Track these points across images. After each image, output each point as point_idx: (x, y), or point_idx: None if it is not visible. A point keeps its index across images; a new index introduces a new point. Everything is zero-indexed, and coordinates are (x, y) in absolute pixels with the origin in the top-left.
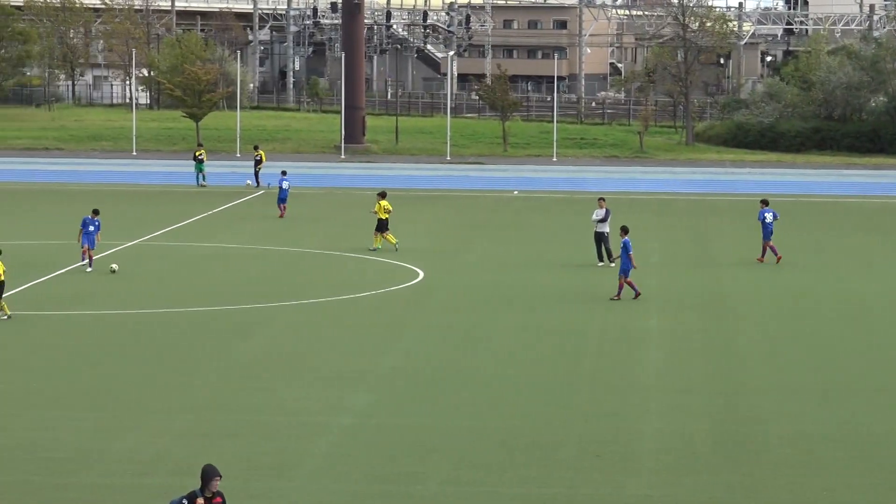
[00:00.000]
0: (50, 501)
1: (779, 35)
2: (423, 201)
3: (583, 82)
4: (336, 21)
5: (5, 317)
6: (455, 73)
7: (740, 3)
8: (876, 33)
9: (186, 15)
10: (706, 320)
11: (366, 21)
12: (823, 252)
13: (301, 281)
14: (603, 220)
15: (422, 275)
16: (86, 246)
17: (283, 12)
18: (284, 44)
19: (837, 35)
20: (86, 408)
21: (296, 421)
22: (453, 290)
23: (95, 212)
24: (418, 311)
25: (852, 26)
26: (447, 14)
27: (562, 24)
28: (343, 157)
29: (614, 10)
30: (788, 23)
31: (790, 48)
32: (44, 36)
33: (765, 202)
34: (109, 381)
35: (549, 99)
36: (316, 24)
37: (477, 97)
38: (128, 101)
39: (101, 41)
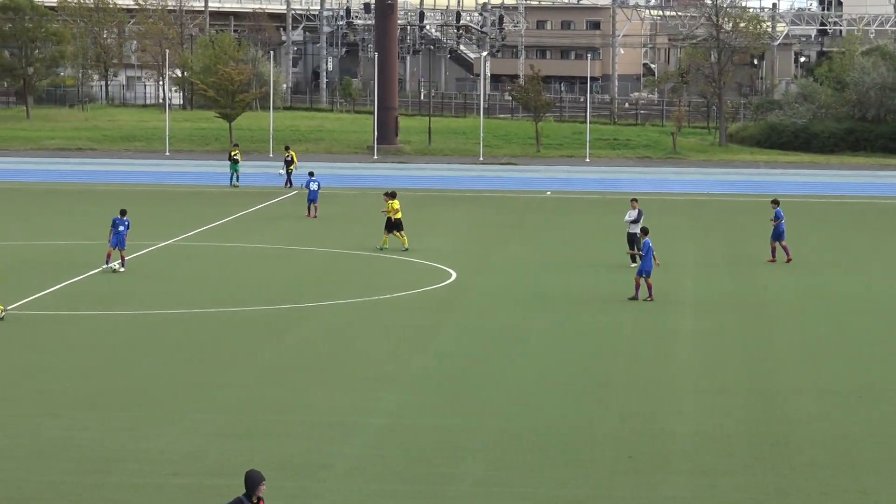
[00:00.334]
0: (83, 501)
1: (812, 36)
2: (456, 202)
3: (616, 83)
4: (369, 21)
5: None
6: (488, 74)
7: (774, 4)
8: None
9: (220, 15)
10: (741, 321)
11: (399, 22)
12: (857, 253)
13: (334, 281)
14: (636, 221)
15: (454, 275)
16: (111, 248)
17: (317, 13)
18: (317, 44)
19: (871, 36)
20: (119, 407)
21: (328, 421)
22: (486, 290)
23: (123, 212)
24: (451, 312)
25: (886, 27)
26: (480, 15)
27: (595, 25)
28: (376, 157)
29: (648, 11)
30: (822, 23)
31: (824, 49)
32: (77, 36)
33: (776, 202)
34: (143, 381)
35: (582, 99)
36: (349, 24)
37: (510, 98)
38: (161, 101)
39: (135, 42)
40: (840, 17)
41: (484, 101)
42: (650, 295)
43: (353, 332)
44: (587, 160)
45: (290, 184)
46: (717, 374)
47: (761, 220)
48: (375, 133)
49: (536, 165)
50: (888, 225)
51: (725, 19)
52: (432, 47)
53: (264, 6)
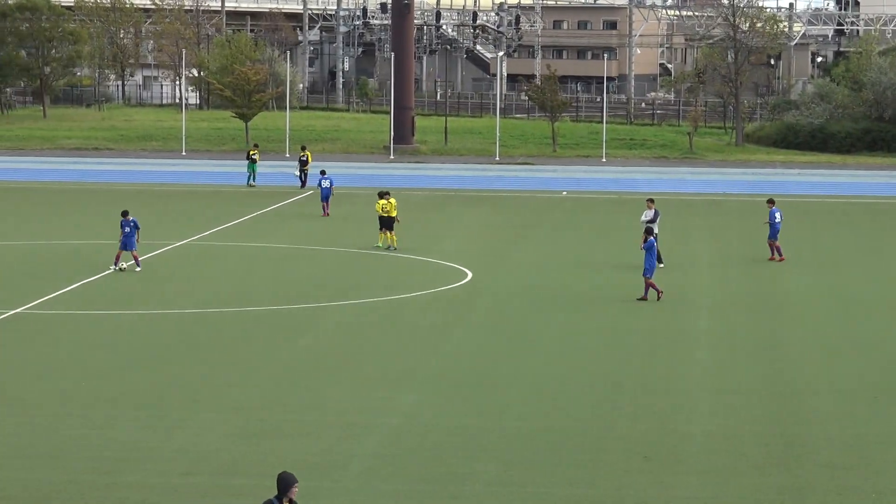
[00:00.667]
0: (98, 500)
1: (829, 36)
2: (472, 202)
3: (632, 83)
4: (386, 21)
5: None
6: (504, 74)
7: (791, 4)
8: None
9: (236, 15)
10: (756, 321)
11: (415, 21)
12: (873, 253)
13: (350, 281)
14: (652, 221)
15: (470, 275)
16: (120, 250)
17: (333, 13)
18: (334, 44)
19: (888, 36)
20: (134, 407)
21: (343, 421)
22: (502, 290)
23: (124, 213)
24: (466, 312)
25: None
26: (497, 14)
27: (611, 25)
28: (392, 157)
29: (664, 11)
30: (839, 23)
31: (841, 49)
32: (94, 36)
33: (771, 202)
34: (158, 381)
35: (598, 99)
36: (365, 24)
37: (526, 98)
38: (177, 101)
39: (151, 41)
40: (857, 16)
41: (500, 100)
42: (645, 295)
43: (368, 332)
44: (603, 160)
45: (305, 183)
46: (732, 374)
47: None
48: (392, 133)
49: (553, 165)
50: None
51: (742, 19)
52: (449, 47)
53: (281, 6)
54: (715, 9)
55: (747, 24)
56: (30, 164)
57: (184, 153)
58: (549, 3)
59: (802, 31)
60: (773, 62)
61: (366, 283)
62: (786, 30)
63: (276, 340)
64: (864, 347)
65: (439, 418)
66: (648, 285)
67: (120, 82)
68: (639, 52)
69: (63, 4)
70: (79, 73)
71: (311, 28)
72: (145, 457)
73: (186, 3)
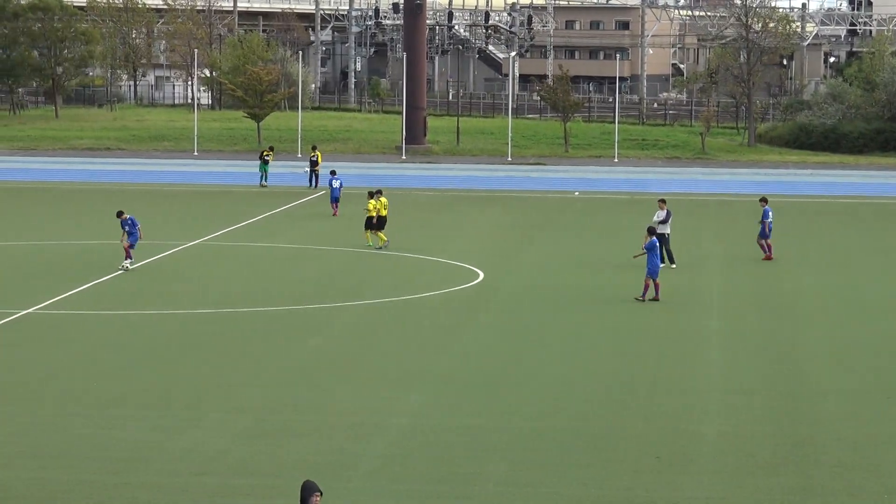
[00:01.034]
0: (109, 500)
1: (842, 36)
2: (484, 202)
3: (645, 83)
4: (398, 21)
5: None
6: (517, 74)
7: (803, 4)
8: None
9: (248, 15)
10: (767, 321)
11: (427, 21)
12: (885, 254)
13: (361, 281)
14: (664, 222)
15: (482, 275)
16: (127, 243)
17: (345, 13)
18: (346, 44)
19: None
20: (145, 406)
21: (353, 421)
22: (513, 290)
23: (119, 213)
24: (477, 312)
25: None
26: (509, 15)
27: (624, 25)
28: (404, 157)
29: (676, 11)
30: (852, 23)
31: (853, 49)
32: (106, 36)
33: (764, 200)
34: (168, 381)
35: (610, 100)
36: (378, 24)
37: (538, 98)
38: (189, 101)
39: (163, 42)
40: (870, 17)
41: (512, 101)
42: (643, 295)
43: (378, 332)
44: (615, 160)
45: (316, 184)
46: (743, 375)
47: (789, 221)
48: (404, 133)
49: (565, 166)
50: None
51: (755, 19)
52: (461, 47)
53: (293, 6)
54: (727, 9)
55: (760, 25)
56: (42, 165)
57: (196, 153)
58: (561, 3)
59: (815, 32)
60: (785, 62)
61: (377, 283)
62: (798, 30)
63: (287, 341)
64: (875, 348)
65: (449, 418)
66: (656, 286)
67: (132, 82)
68: (651, 52)
69: (75, 5)
70: (91, 74)
71: (323, 28)
72: (155, 456)
73: (199, 4)
